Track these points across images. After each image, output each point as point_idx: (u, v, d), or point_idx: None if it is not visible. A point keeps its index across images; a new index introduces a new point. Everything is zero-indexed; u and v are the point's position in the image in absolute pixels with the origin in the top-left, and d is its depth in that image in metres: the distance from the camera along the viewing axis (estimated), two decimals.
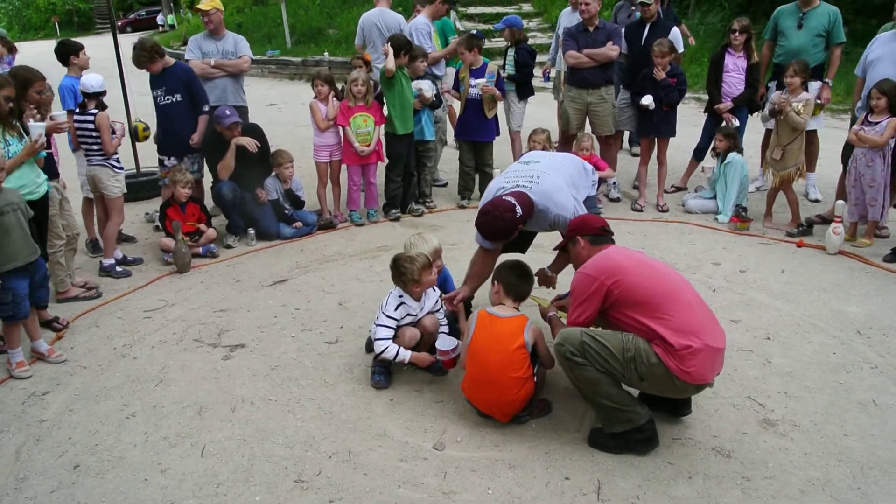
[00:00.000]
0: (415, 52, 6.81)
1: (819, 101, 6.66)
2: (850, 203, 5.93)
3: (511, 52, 7.30)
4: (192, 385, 4.20)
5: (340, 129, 6.70)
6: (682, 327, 3.25)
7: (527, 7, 17.48)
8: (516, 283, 3.80)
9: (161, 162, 6.63)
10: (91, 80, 5.63)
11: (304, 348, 4.60)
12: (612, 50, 6.80)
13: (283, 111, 11.52)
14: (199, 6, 6.85)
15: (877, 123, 5.72)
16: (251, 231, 6.45)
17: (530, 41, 15.35)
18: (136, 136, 7.03)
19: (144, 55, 6.20)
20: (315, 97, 6.74)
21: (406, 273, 3.97)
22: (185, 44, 22.75)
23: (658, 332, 3.25)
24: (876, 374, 4.15)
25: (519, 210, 3.86)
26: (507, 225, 3.90)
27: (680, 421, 3.71)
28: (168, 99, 6.34)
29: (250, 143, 6.25)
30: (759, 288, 5.31)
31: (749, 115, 7.27)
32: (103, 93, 5.70)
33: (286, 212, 6.61)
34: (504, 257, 4.17)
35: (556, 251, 4.15)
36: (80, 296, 5.38)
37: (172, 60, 6.47)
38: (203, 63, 6.78)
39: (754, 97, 7.08)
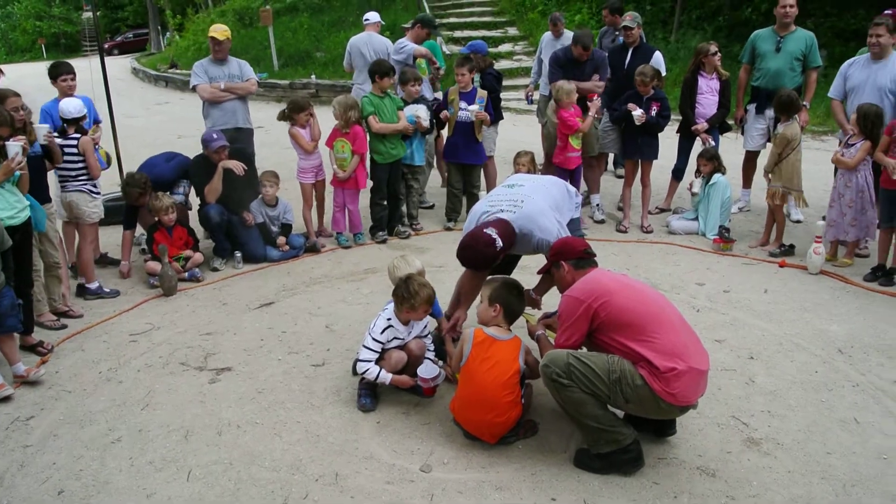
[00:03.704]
0: (406, 76, 6.87)
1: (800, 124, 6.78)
2: (826, 223, 6.02)
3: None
4: (179, 409, 4.18)
5: (326, 149, 6.77)
6: (666, 349, 3.29)
7: (512, 31, 17.67)
8: (516, 305, 3.83)
9: None
10: (69, 105, 5.60)
11: (291, 371, 4.59)
12: (597, 86, 6.87)
13: (271, 133, 11.54)
14: (214, 35, 7.00)
15: (853, 145, 5.84)
16: (238, 254, 6.45)
17: (516, 64, 15.65)
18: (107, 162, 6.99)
19: (137, 191, 6.16)
20: (292, 125, 6.75)
21: (413, 296, 3.96)
22: (172, 66, 22.88)
23: (643, 355, 3.30)
24: (857, 392, 4.21)
25: (499, 243, 3.91)
26: (486, 259, 3.97)
27: (665, 441, 3.74)
28: (177, 194, 6.50)
29: (237, 167, 6.28)
30: (742, 308, 5.37)
31: (721, 136, 7.41)
32: (83, 118, 5.70)
33: (273, 234, 6.62)
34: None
35: (541, 274, 4.19)
36: (46, 323, 5.29)
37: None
38: (213, 87, 6.94)
39: (726, 118, 7.24)
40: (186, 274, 6.17)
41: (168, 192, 6.37)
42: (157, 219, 6.18)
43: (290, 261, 6.59)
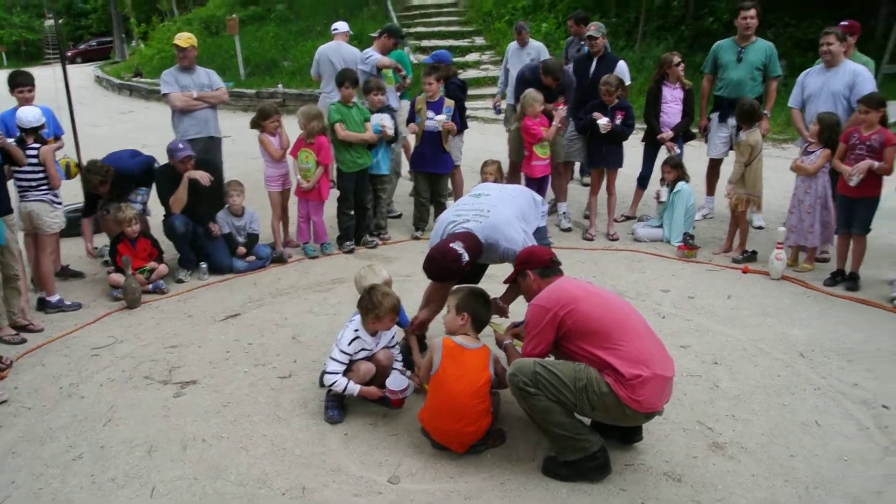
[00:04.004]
0: (369, 85, 6.87)
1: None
2: (787, 229, 6.13)
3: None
4: (142, 424, 4.11)
5: (292, 159, 6.75)
6: (632, 357, 3.33)
7: (479, 40, 17.76)
8: (484, 313, 3.85)
9: None
10: (27, 114, 5.51)
11: (257, 383, 4.55)
12: (559, 113, 6.89)
13: (237, 143, 11.44)
14: (178, 43, 6.97)
15: (813, 153, 5.96)
16: (203, 265, 6.38)
17: (483, 73, 15.73)
18: (67, 174, 6.89)
19: (98, 178, 6.07)
20: (261, 132, 6.74)
21: (377, 306, 3.96)
22: (136, 75, 22.61)
23: (609, 362, 3.33)
24: (818, 396, 4.28)
25: (466, 257, 3.92)
26: (453, 273, 3.99)
27: (632, 447, 3.77)
28: (136, 199, 6.43)
29: (203, 177, 6.21)
30: (706, 314, 5.44)
31: (685, 144, 7.52)
32: (41, 126, 5.60)
33: (239, 244, 6.56)
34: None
35: (507, 283, 4.21)
36: (5, 337, 5.18)
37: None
38: (185, 96, 6.89)
39: (690, 127, 7.37)
40: (150, 286, 6.08)
41: (126, 200, 6.29)
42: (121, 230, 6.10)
43: (257, 271, 6.54)
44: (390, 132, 6.87)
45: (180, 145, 6.25)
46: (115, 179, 6.18)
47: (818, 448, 3.78)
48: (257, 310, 5.72)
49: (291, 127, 6.88)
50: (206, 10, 24.64)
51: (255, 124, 6.77)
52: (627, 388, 3.29)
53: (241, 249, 6.56)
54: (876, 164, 5.47)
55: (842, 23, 6.73)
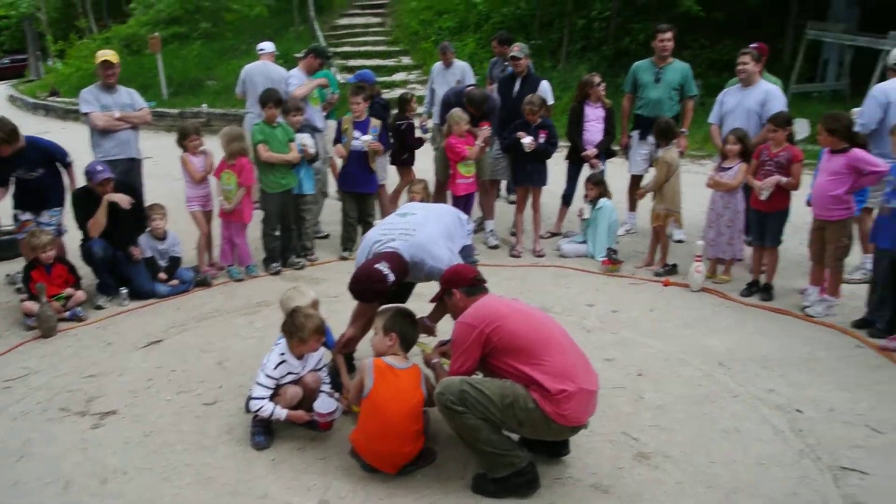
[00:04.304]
0: (287, 106, 6.81)
1: (679, 150, 7.15)
2: (706, 242, 6.36)
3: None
4: (58, 458, 3.95)
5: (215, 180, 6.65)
6: (557, 372, 3.39)
7: (406, 60, 17.84)
8: (412, 333, 3.87)
9: (16, 217, 6.30)
10: None
11: (181, 411, 4.43)
12: (483, 132, 6.99)
13: (160, 164, 11.15)
14: (108, 58, 6.75)
15: (730, 168, 6.20)
16: (124, 290, 6.18)
17: (411, 93, 15.77)
18: None
19: (2, 136, 5.88)
20: (185, 151, 6.62)
21: (300, 329, 3.93)
22: (52, 94, 21.82)
23: (535, 378, 3.38)
24: (737, 403, 4.44)
25: (391, 277, 3.93)
26: (378, 293, 4.00)
27: (560, 461, 3.82)
28: (31, 174, 6.14)
29: (123, 200, 6.05)
30: (630, 327, 5.57)
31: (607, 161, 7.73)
32: None
33: (161, 268, 6.39)
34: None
35: (434, 302, 4.23)
36: None
37: (23, 141, 6.16)
38: (107, 116, 6.67)
39: (612, 144, 7.59)
40: (67, 313, 5.85)
41: (34, 219, 6.09)
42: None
43: (180, 296, 6.37)
44: (312, 151, 6.83)
45: (98, 167, 6.06)
46: (25, 149, 6.04)
47: (738, 454, 3.92)
48: (181, 335, 5.58)
49: (217, 148, 6.77)
50: (126, 27, 23.96)
51: (180, 143, 6.66)
52: (553, 403, 3.34)
53: (163, 275, 6.39)
54: (784, 179, 5.74)
55: (752, 45, 7.05)
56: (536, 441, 3.66)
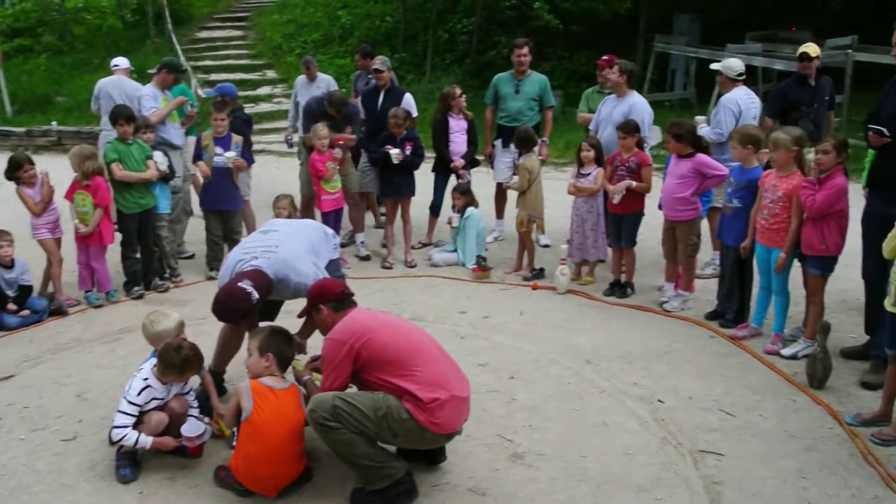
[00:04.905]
0: (137, 124, 6.51)
1: (540, 158, 7.41)
2: (570, 246, 6.62)
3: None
4: None
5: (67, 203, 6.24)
6: (429, 381, 3.43)
7: (271, 73, 17.51)
8: (288, 351, 3.80)
9: None
10: None
11: (37, 450, 4.11)
12: (349, 139, 7.05)
13: (5, 186, 10.38)
14: None
15: (588, 174, 6.48)
16: None
17: (276, 107, 15.51)
18: None
19: None
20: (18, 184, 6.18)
21: (185, 364, 3.83)
22: None
23: (407, 389, 3.40)
24: (604, 398, 4.65)
25: (255, 295, 3.85)
26: (243, 313, 3.91)
27: (437, 468, 3.86)
28: None
29: None
30: (501, 331, 5.71)
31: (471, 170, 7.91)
32: None
33: (9, 298, 5.93)
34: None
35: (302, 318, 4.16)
36: None
37: None
38: None
39: (476, 154, 7.79)
40: None
41: None
42: None
43: (32, 326, 5.91)
44: (163, 167, 6.56)
45: None
46: None
47: (606, 446, 4.10)
48: (34, 369, 5.19)
49: (68, 168, 6.37)
50: None
51: (9, 176, 6.16)
52: (426, 412, 3.37)
53: (12, 305, 5.93)
54: (634, 183, 6.08)
55: (603, 57, 7.42)
56: (413, 450, 3.68)
